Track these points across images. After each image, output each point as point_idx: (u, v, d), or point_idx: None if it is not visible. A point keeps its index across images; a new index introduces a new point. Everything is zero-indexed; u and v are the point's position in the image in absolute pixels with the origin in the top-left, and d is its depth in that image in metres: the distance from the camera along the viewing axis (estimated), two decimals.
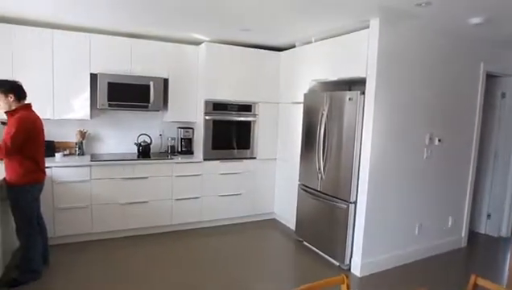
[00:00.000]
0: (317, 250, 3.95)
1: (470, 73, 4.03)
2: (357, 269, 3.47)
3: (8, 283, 2.99)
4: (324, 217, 3.80)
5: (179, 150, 4.83)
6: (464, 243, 4.31)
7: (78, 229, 3.94)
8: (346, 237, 3.51)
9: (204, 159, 4.52)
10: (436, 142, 3.79)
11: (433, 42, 3.59)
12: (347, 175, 3.49)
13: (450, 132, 3.92)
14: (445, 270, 3.70)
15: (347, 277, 1.56)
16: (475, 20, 3.08)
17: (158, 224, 4.33)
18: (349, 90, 4.10)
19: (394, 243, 3.65)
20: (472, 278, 1.72)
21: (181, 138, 4.83)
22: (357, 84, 3.87)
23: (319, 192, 3.87)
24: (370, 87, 3.31)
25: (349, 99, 3.47)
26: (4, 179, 2.95)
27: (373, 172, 3.37)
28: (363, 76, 3.39)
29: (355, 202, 3.47)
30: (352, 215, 3.49)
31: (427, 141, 3.72)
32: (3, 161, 2.98)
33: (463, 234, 4.30)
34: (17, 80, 3.07)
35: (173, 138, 4.84)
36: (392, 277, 3.47)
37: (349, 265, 3.55)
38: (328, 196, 3.74)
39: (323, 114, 3.77)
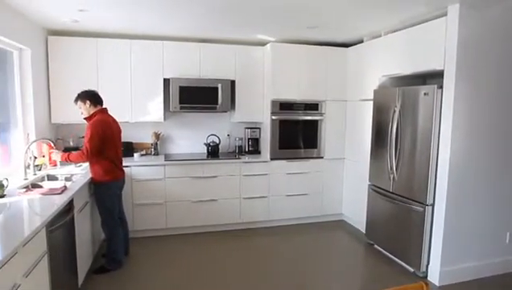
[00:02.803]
0: (389, 255, 3.73)
1: None
2: (435, 277, 3.21)
3: (96, 269, 3.32)
4: (398, 219, 3.58)
5: (247, 150, 4.92)
6: None
7: (154, 225, 4.21)
8: (422, 242, 3.26)
9: (271, 159, 4.55)
10: None
11: None
12: (423, 175, 3.25)
13: None
14: None
15: (426, 285, 1.44)
16: None
17: (227, 222, 4.46)
18: (424, 84, 3.82)
19: (479, 252, 3.31)
20: None
21: (248, 138, 4.91)
22: (433, 77, 3.58)
23: (391, 193, 3.66)
24: (449, 80, 3.04)
25: (425, 94, 3.22)
26: (91, 177, 3.28)
27: (453, 173, 3.09)
28: (440, 68, 3.12)
29: (432, 205, 3.22)
30: (429, 219, 3.23)
31: None
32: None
33: None
34: (98, 88, 3.41)
35: (240, 139, 4.94)
36: (477, 289, 3.15)
37: (426, 272, 3.30)
38: (401, 198, 3.52)
39: (395, 111, 3.56)
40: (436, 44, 3.15)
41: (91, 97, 3.25)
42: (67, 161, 3.24)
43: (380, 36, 4.01)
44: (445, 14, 3.06)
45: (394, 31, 3.76)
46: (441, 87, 3.10)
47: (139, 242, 3.99)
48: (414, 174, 3.36)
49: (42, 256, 2.06)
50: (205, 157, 4.57)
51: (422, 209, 3.26)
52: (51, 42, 4.07)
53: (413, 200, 3.36)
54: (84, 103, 3.22)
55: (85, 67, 4.15)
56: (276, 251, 3.96)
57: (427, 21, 3.30)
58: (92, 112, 3.24)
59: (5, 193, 2.58)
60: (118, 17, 3.58)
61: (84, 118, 3.27)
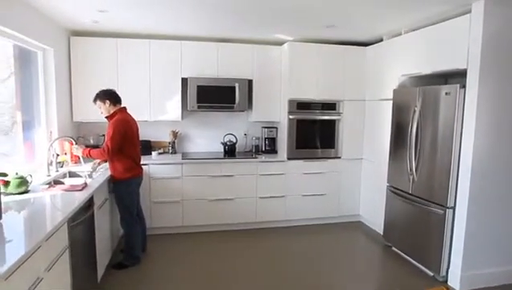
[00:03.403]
0: (408, 258, 3.66)
1: None
2: (455, 282, 3.12)
3: (115, 265, 3.39)
4: (417, 221, 3.51)
5: (264, 149, 4.92)
6: None
7: (171, 222, 4.26)
8: (443, 245, 3.19)
9: (288, 159, 4.53)
10: None
11: None
12: (443, 177, 3.17)
13: None
14: None
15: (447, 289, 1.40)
16: None
17: (243, 221, 4.47)
18: (446, 84, 3.73)
19: (503, 257, 3.20)
20: None
21: (265, 138, 4.90)
22: (455, 76, 3.50)
23: (410, 194, 3.59)
24: (472, 79, 2.95)
25: (446, 94, 3.15)
26: (111, 175, 3.34)
27: (476, 175, 3.00)
28: (462, 67, 3.04)
29: (453, 207, 3.14)
30: (449, 221, 3.16)
31: None
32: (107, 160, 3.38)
33: None
34: (117, 88, 3.48)
35: (257, 138, 4.94)
36: None
37: (446, 277, 3.21)
38: (420, 200, 3.45)
39: (415, 111, 3.49)
40: (459, 42, 3.07)
41: (109, 96, 3.30)
42: (88, 157, 3.31)
43: (400, 35, 3.94)
44: (468, 12, 2.98)
45: (415, 30, 3.69)
46: (464, 86, 3.02)
47: (156, 239, 4.05)
48: (434, 175, 3.29)
49: (63, 251, 2.11)
50: (222, 156, 4.59)
51: (442, 211, 3.18)
52: (73, 42, 4.17)
53: (433, 203, 3.29)
54: (104, 103, 3.28)
55: (105, 66, 4.23)
56: (292, 251, 3.94)
57: (448, 19, 3.22)
58: (112, 111, 3.30)
59: (29, 189, 2.67)
60: (136, 17, 3.63)
61: (105, 117, 3.34)
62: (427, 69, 3.50)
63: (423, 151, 3.42)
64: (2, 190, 2.46)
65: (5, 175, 2.42)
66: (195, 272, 3.39)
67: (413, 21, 3.61)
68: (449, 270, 3.20)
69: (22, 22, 3.04)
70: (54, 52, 3.72)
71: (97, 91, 3.34)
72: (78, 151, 3.34)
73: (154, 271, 3.37)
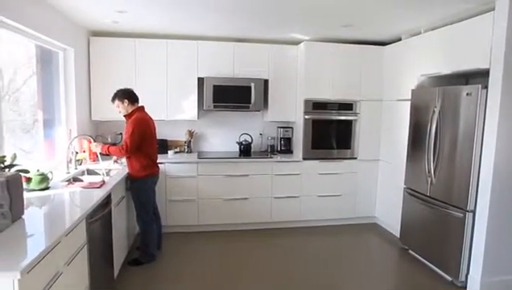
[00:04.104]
0: (425, 261, 3.59)
1: None
2: (475, 288, 3.04)
3: (130, 261, 3.44)
4: (435, 225, 3.44)
5: (279, 149, 4.91)
6: None
7: (186, 221, 4.30)
8: (462, 249, 3.11)
9: (304, 159, 4.51)
10: None
11: None
12: (463, 179, 3.09)
13: None
14: None
15: None
16: None
17: (257, 220, 4.46)
18: (467, 84, 3.64)
19: None
20: None
21: (281, 138, 4.89)
22: (476, 76, 3.41)
23: (428, 197, 3.52)
24: (495, 79, 2.87)
25: (467, 94, 3.07)
26: (128, 172, 3.39)
27: (498, 178, 2.91)
28: (485, 67, 2.96)
29: (473, 211, 3.06)
30: (469, 225, 3.08)
31: None
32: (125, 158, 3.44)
33: None
34: (135, 87, 3.53)
35: (273, 138, 4.93)
36: None
37: (465, 282, 3.14)
38: (439, 203, 3.37)
39: (434, 112, 3.42)
40: (481, 41, 2.98)
41: (128, 95, 3.35)
42: (106, 153, 3.36)
43: (419, 34, 3.86)
44: (491, 10, 2.90)
45: (434, 29, 3.61)
46: (486, 87, 2.94)
47: (172, 237, 4.08)
48: (454, 178, 3.21)
49: (82, 247, 2.15)
50: (237, 156, 4.60)
51: (462, 214, 3.11)
52: (92, 42, 4.25)
53: (452, 206, 3.22)
54: (122, 102, 3.33)
55: (123, 66, 4.30)
56: (306, 252, 3.92)
57: (469, 17, 3.15)
58: (130, 110, 3.35)
59: (49, 186, 2.73)
60: (155, 17, 3.68)
61: (124, 116, 3.39)
62: (446, 69, 3.42)
63: (442, 153, 3.35)
64: (25, 186, 2.52)
65: (27, 171, 2.48)
66: (209, 271, 3.41)
67: (433, 20, 3.54)
68: (468, 275, 3.12)
69: (46, 24, 3.12)
70: (74, 52, 3.80)
71: (115, 90, 3.39)
72: (97, 147, 3.40)
73: (168, 269, 3.40)
